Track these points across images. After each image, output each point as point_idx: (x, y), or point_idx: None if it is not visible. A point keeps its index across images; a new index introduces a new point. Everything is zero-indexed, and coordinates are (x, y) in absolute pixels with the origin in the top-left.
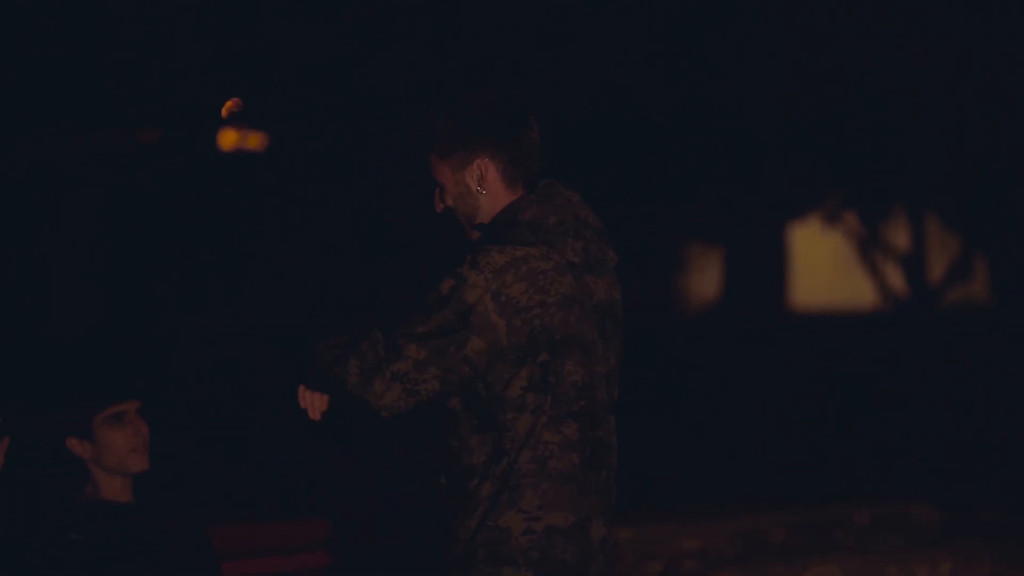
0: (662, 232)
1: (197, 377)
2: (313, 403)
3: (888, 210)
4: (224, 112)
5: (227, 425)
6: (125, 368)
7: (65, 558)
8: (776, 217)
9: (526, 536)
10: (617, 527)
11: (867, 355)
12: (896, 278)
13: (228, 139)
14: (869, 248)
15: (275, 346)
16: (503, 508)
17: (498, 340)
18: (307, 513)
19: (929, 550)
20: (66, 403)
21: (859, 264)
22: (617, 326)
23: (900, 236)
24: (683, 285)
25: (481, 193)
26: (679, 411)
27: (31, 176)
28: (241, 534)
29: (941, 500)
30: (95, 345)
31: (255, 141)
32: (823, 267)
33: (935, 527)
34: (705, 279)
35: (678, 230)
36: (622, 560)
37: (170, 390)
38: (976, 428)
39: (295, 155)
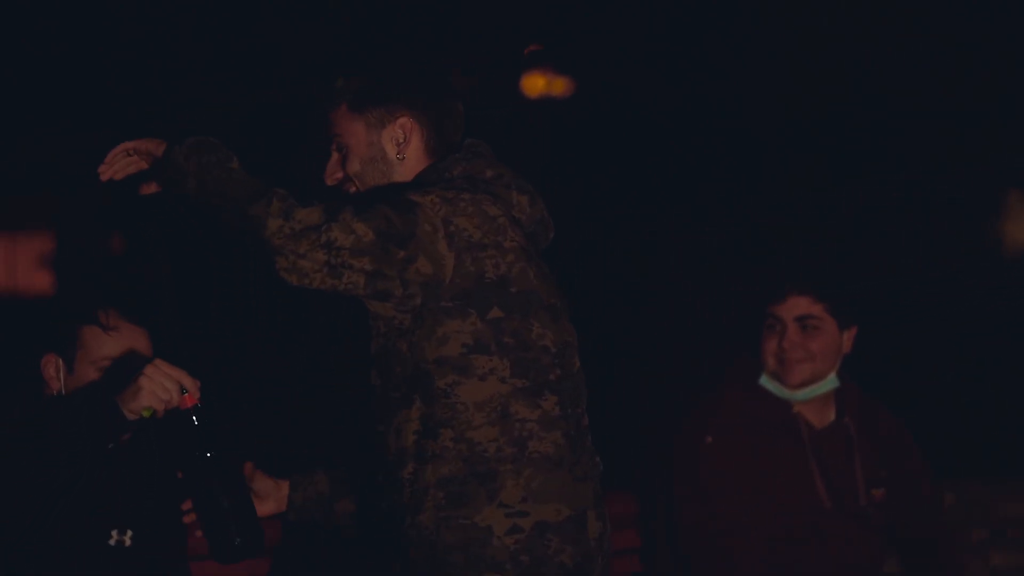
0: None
1: None
2: None
3: None
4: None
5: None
6: None
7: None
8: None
9: (511, 536)
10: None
11: None
12: None
13: (535, 85)
14: None
15: None
16: (477, 502)
17: (440, 274)
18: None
19: None
20: None
21: None
22: (566, 307)
23: None
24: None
25: (399, 160)
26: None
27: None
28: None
29: None
30: None
31: (560, 87)
32: None
33: None
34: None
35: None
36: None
37: None
38: None
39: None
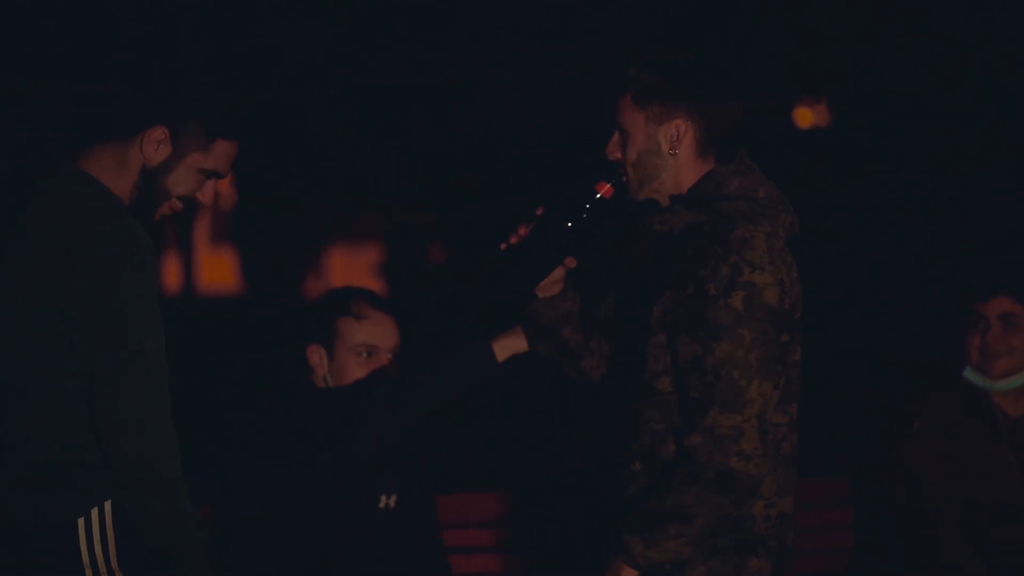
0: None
1: None
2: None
3: None
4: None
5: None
6: None
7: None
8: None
9: (765, 524)
10: None
11: None
12: None
13: (805, 117)
14: None
15: None
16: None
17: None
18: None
19: None
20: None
21: None
22: None
23: None
24: None
25: (671, 155)
26: None
27: None
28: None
29: None
30: None
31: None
32: None
33: None
34: None
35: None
36: None
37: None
38: None
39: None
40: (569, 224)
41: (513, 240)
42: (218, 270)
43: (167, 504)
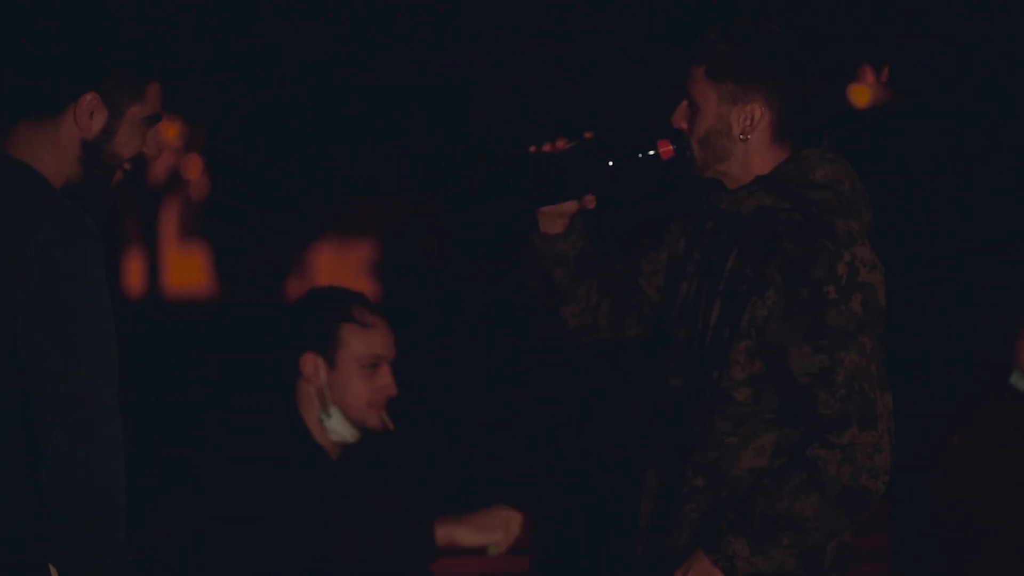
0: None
1: None
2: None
3: None
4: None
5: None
6: None
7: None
8: None
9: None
10: None
11: None
12: None
13: (863, 95)
14: None
15: None
16: None
17: None
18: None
19: None
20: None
21: None
22: None
23: None
24: None
25: (741, 140)
26: None
27: None
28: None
29: None
30: None
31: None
32: None
33: None
34: None
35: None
36: None
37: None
38: None
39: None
40: (611, 163)
41: (546, 148)
42: (188, 270)
43: (105, 541)
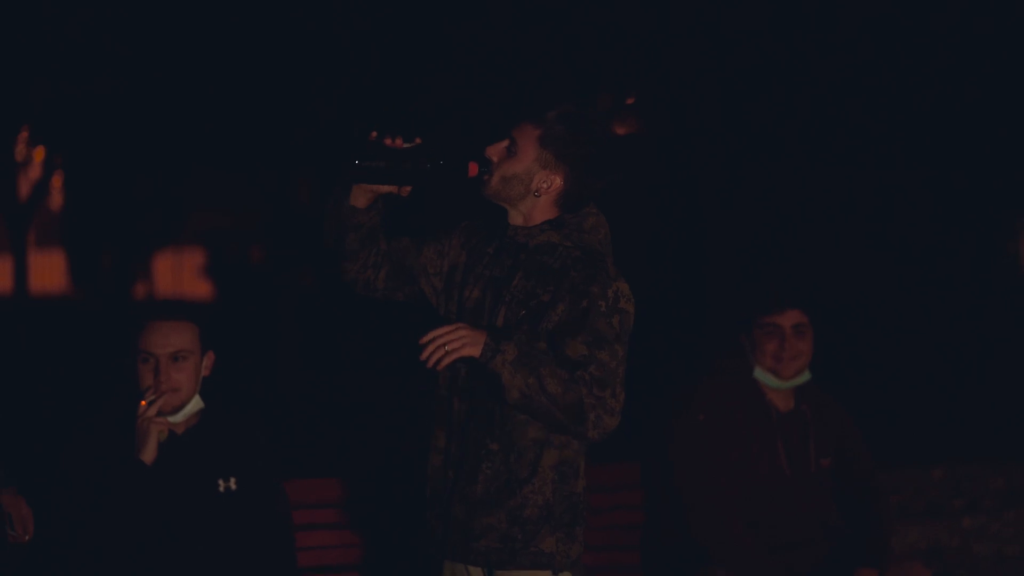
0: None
1: None
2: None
3: None
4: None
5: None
6: None
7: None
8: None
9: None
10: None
11: None
12: None
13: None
14: None
15: None
16: (572, 478)
17: None
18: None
19: None
20: None
21: None
22: None
23: None
24: None
25: (534, 195)
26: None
27: None
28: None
29: None
30: None
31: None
32: None
33: None
34: None
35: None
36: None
37: None
38: None
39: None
40: (428, 165)
41: (387, 141)
42: (48, 273)
43: None
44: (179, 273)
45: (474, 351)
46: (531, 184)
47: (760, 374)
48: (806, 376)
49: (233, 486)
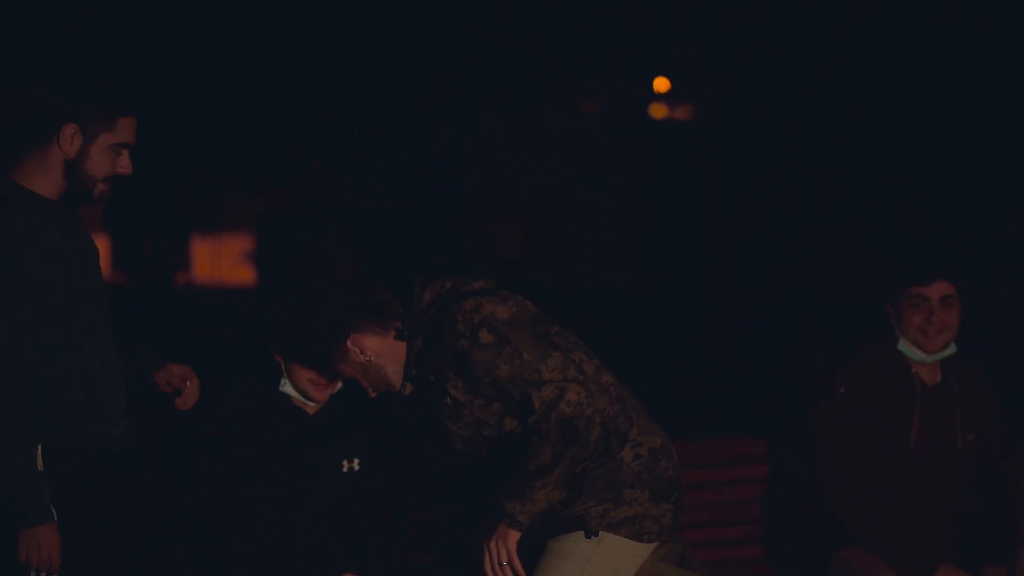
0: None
1: None
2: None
3: None
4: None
5: None
6: None
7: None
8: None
9: (636, 461)
10: None
11: None
12: None
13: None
14: None
15: None
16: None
17: None
18: None
19: None
20: None
21: None
22: None
23: None
24: None
25: (371, 360)
26: None
27: None
28: None
29: None
30: None
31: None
32: None
33: None
34: None
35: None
36: None
37: None
38: None
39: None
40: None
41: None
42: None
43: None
44: (217, 260)
45: (513, 538)
46: (363, 362)
47: (904, 346)
48: (952, 349)
49: (356, 467)
